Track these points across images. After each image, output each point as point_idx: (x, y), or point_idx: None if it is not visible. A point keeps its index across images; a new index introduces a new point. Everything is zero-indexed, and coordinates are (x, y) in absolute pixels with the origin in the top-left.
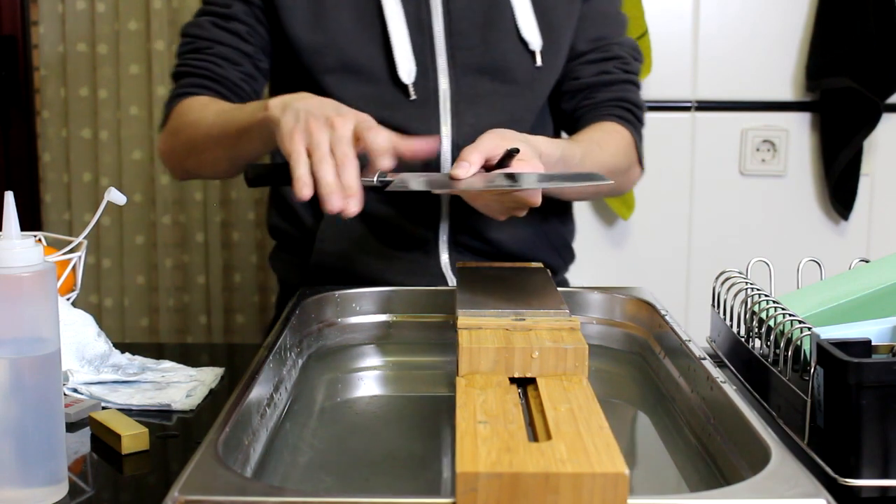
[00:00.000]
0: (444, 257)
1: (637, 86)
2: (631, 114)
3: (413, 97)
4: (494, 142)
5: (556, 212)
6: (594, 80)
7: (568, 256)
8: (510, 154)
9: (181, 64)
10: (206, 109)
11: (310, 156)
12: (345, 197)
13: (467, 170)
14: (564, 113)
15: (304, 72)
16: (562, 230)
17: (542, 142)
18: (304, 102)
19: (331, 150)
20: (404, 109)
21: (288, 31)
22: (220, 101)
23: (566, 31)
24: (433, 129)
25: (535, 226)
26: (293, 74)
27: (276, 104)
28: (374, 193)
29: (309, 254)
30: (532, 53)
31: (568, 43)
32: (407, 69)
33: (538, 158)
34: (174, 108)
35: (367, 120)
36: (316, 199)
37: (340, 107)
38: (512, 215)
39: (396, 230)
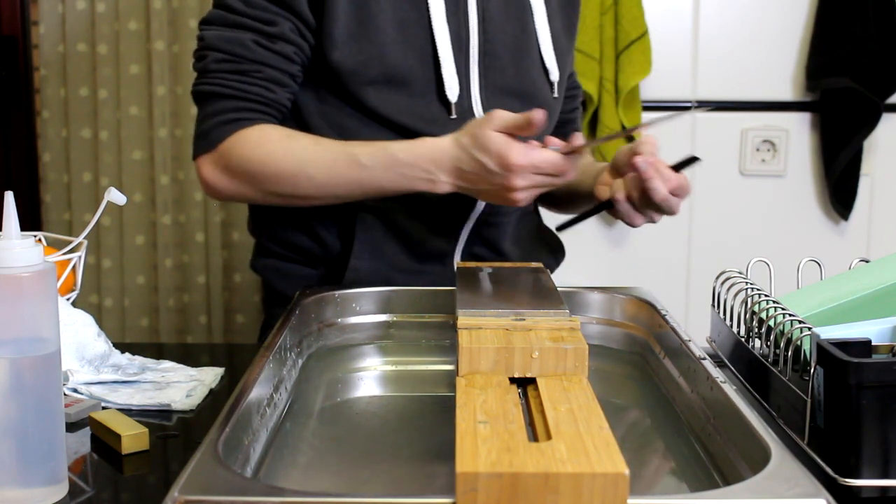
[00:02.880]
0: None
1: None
2: None
3: (454, 116)
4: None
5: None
6: (569, 117)
7: (560, 256)
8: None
9: (221, 83)
10: (292, 145)
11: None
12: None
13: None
14: None
15: (340, 83)
16: (553, 233)
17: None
18: (469, 168)
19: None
20: (445, 127)
21: (332, 42)
22: (300, 138)
23: (568, 67)
24: None
25: (532, 231)
26: (329, 85)
27: (446, 181)
28: (403, 209)
29: (328, 269)
30: (551, 84)
31: (566, 78)
32: (452, 86)
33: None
34: (230, 136)
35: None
36: (344, 221)
37: (490, 153)
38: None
39: (421, 244)
